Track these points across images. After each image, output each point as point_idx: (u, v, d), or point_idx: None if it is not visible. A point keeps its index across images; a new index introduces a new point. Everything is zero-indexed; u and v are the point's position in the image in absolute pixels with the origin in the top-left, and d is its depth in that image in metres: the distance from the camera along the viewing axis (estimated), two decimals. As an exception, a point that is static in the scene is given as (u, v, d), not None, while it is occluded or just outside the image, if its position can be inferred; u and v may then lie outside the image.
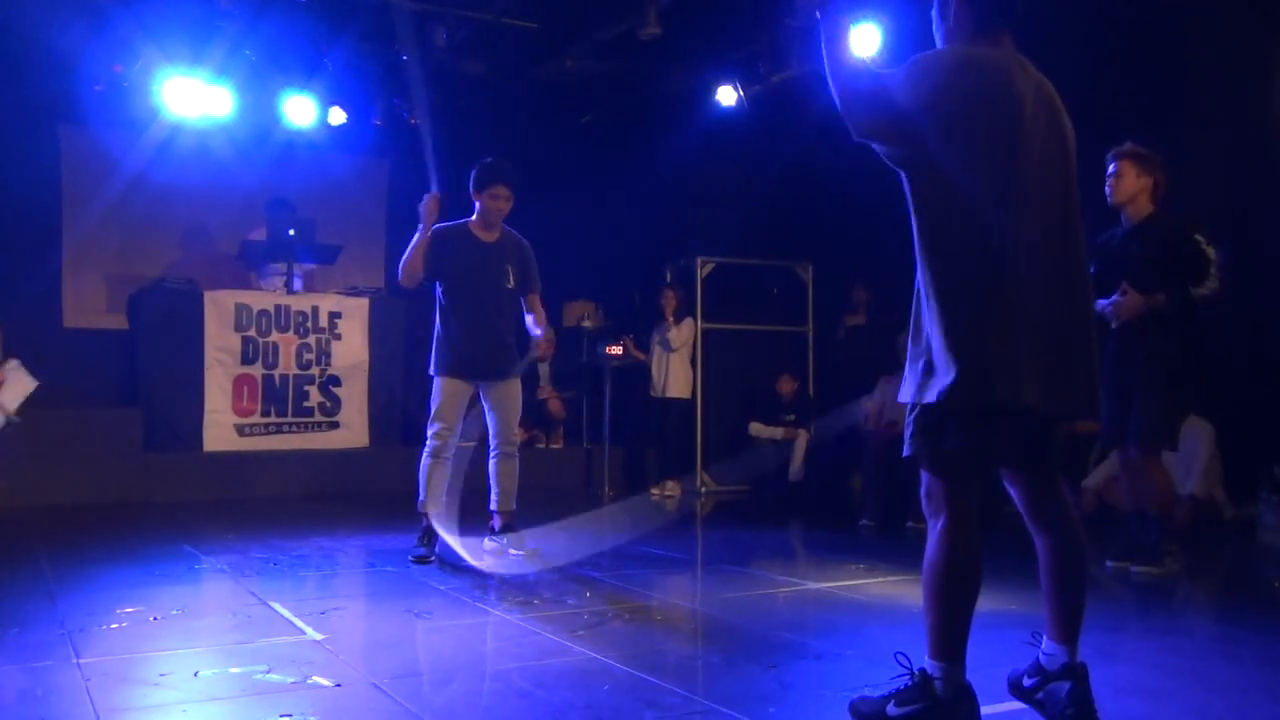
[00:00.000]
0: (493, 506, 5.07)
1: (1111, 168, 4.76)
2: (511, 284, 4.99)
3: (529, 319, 5.11)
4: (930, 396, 2.31)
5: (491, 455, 5.05)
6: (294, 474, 7.59)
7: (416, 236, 4.89)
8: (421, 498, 4.90)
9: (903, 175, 2.40)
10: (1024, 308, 2.29)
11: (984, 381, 2.26)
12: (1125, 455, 4.79)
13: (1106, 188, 4.75)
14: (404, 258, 4.92)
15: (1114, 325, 4.67)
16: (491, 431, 5.05)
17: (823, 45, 2.37)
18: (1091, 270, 4.68)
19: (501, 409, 5.00)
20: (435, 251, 4.91)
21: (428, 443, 4.88)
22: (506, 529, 5.05)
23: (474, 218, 4.99)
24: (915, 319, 2.41)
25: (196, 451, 7.43)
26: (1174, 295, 4.57)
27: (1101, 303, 4.64)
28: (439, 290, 4.99)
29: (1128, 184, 4.71)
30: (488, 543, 5.10)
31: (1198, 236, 4.65)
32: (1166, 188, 4.75)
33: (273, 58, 8.17)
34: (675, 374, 8.30)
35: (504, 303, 5.00)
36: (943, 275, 2.32)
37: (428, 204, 4.90)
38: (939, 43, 2.50)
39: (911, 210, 2.39)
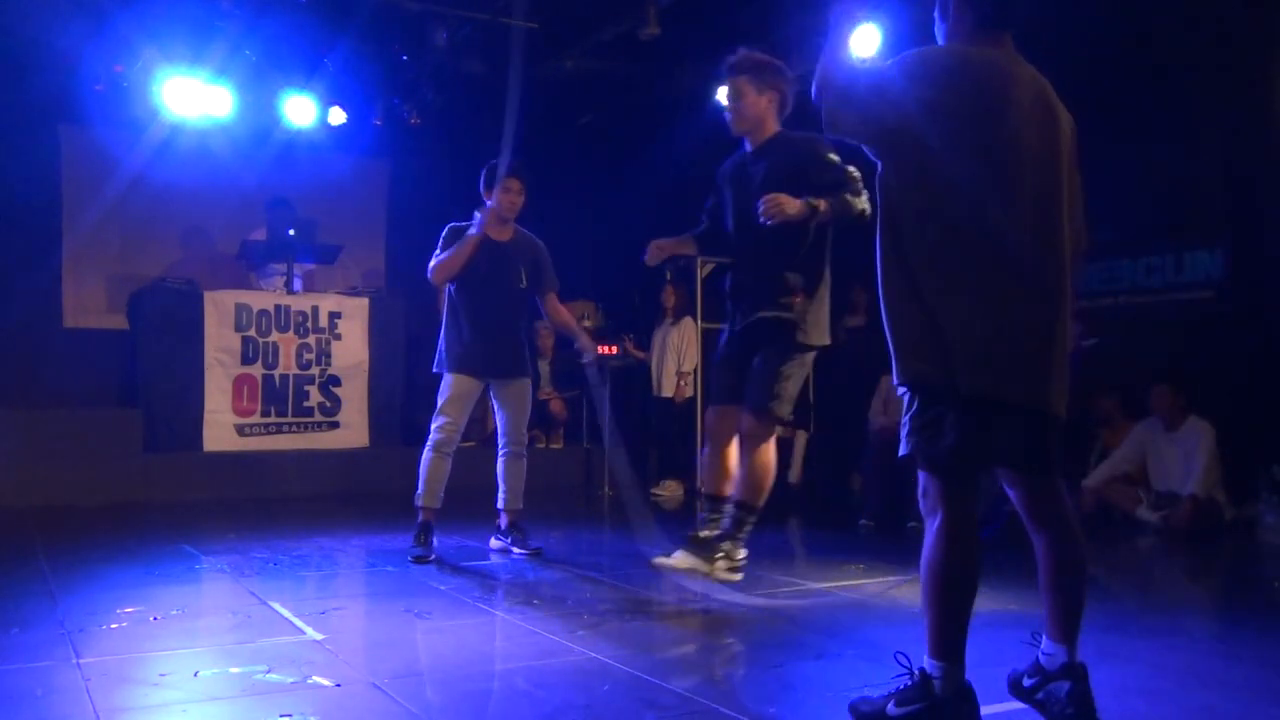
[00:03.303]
0: (500, 505, 5.08)
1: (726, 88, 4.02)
2: (524, 284, 4.99)
3: (545, 321, 5.12)
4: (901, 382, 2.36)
5: (500, 454, 5.05)
6: (294, 474, 7.58)
7: (470, 236, 4.81)
8: (420, 491, 4.88)
9: (881, 164, 2.42)
10: (1011, 298, 2.30)
11: (964, 370, 2.29)
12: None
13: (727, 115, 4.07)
14: (445, 258, 4.83)
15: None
16: (500, 431, 5.05)
17: (826, 43, 2.38)
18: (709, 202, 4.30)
19: (511, 408, 5.00)
20: (450, 249, 4.91)
21: (431, 435, 4.86)
22: (513, 528, 5.06)
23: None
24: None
25: (196, 451, 7.43)
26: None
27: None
28: (451, 287, 4.97)
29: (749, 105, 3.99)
30: (494, 541, 5.13)
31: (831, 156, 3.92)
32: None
33: (273, 58, 8.17)
34: (670, 374, 8.32)
35: (516, 302, 5.00)
36: (922, 265, 2.33)
37: (490, 213, 4.85)
38: (940, 42, 2.51)
39: (889, 201, 2.39)
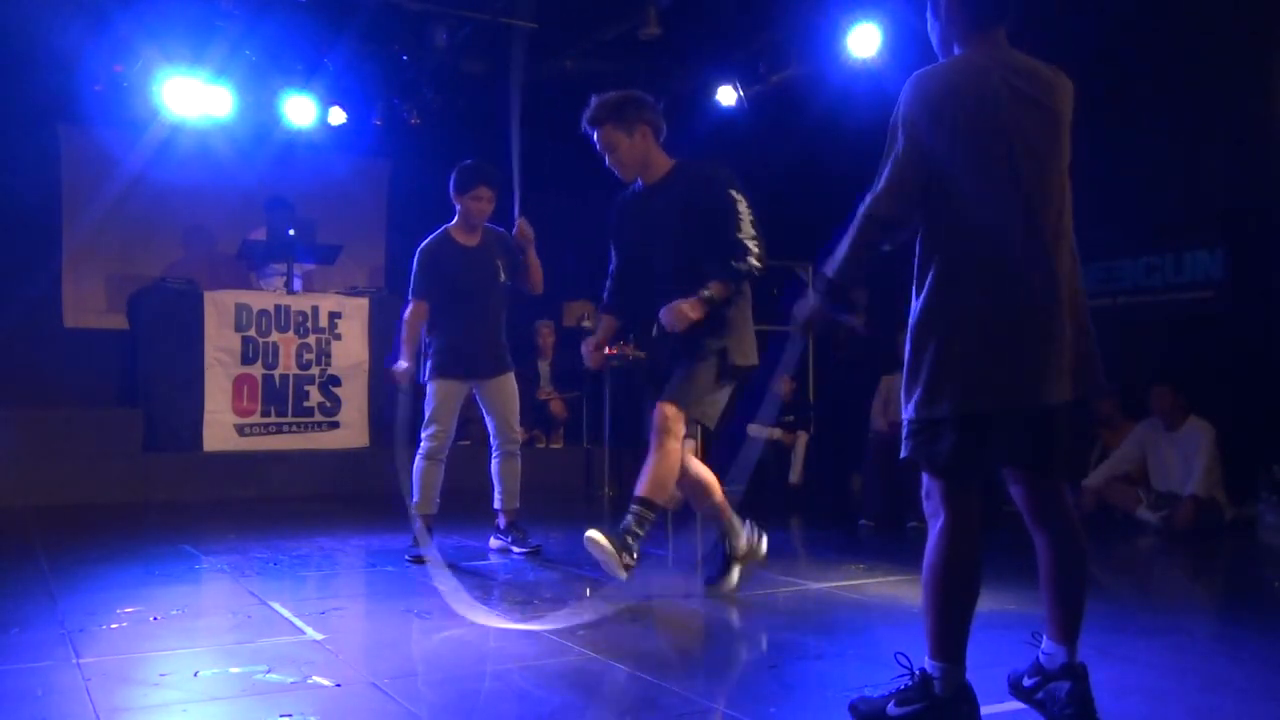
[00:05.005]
0: (497, 505, 5.08)
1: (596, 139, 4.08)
2: (503, 278, 5.01)
3: (546, 320, 5.17)
4: (940, 410, 2.32)
5: (494, 455, 5.06)
6: (294, 474, 7.59)
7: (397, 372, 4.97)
8: (415, 499, 4.91)
9: None
10: (1007, 295, 2.30)
11: (996, 386, 2.29)
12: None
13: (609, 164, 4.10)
14: (404, 337, 4.99)
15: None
16: (491, 431, 5.06)
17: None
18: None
19: (498, 407, 5.01)
20: (426, 270, 4.94)
21: (422, 444, 4.91)
22: (512, 527, 5.07)
23: (455, 222, 5.01)
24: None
25: (196, 451, 7.44)
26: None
27: None
28: (429, 300, 5.00)
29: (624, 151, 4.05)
30: (493, 541, 5.14)
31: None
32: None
33: (273, 58, 8.17)
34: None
35: (496, 302, 5.03)
36: (950, 283, 2.33)
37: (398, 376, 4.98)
38: (933, 41, 2.51)
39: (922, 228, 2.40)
